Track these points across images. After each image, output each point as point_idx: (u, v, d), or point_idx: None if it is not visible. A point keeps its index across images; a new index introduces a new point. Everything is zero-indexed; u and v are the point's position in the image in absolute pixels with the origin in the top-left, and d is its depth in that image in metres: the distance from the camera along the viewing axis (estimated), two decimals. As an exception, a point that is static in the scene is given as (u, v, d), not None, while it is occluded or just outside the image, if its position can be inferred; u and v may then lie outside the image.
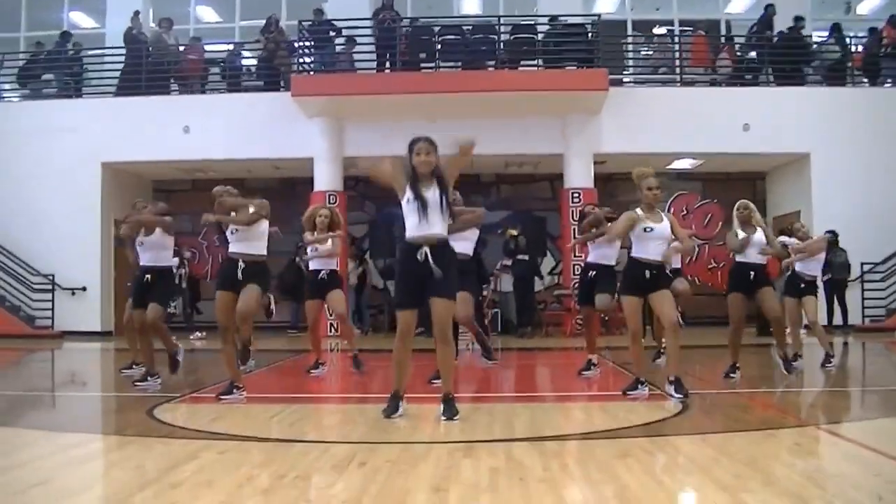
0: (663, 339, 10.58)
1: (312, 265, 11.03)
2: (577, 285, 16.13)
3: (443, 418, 7.03)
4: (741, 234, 9.93)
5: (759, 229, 9.97)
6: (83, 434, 7.01)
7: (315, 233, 10.94)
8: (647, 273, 8.41)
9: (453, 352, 7.41)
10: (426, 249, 7.03)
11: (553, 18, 19.68)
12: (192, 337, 17.82)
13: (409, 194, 7.09)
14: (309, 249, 11.05)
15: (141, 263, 10.00)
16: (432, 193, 7.09)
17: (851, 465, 5.64)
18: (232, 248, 8.55)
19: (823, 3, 22.74)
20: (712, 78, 20.78)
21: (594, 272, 10.55)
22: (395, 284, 7.33)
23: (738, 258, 9.99)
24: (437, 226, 7.10)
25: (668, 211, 8.71)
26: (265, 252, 8.66)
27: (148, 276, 9.87)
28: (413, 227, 7.09)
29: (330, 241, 10.89)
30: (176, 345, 10.13)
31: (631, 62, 21.27)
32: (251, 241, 8.55)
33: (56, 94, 20.95)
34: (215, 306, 8.46)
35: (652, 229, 8.47)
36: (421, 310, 7.23)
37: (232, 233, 8.56)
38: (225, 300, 8.40)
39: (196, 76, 20.90)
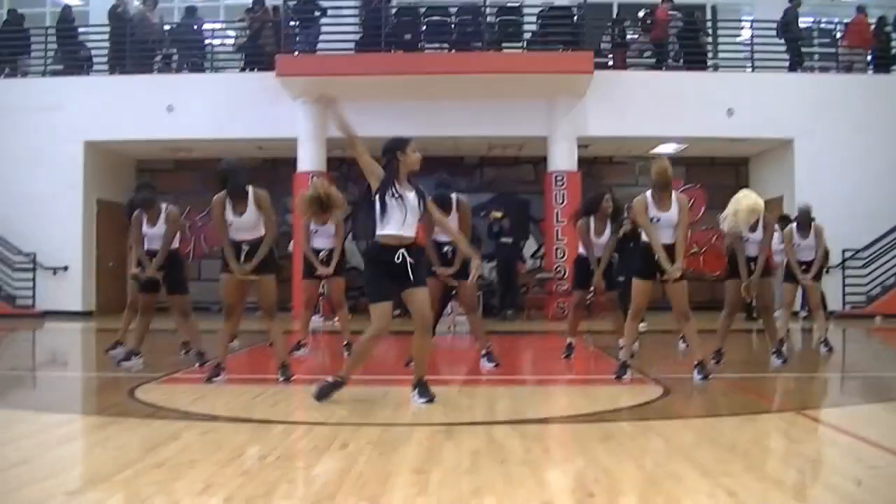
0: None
1: (315, 244, 11.04)
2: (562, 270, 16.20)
3: (422, 401, 7.06)
4: (747, 234, 9.83)
5: (759, 225, 9.93)
6: (64, 414, 7.00)
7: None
8: (658, 258, 8.42)
9: (430, 342, 7.55)
10: (403, 251, 7.07)
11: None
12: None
13: (390, 192, 7.07)
14: (311, 228, 11.00)
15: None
16: (412, 196, 7.13)
17: (831, 450, 5.69)
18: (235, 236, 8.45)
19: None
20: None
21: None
22: (368, 278, 7.30)
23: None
24: (412, 228, 7.19)
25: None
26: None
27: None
28: (393, 226, 7.07)
29: (330, 222, 10.88)
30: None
31: (611, 44, 21.22)
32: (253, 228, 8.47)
33: (39, 72, 20.78)
34: (222, 287, 8.45)
35: (658, 219, 8.49)
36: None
37: (231, 224, 8.46)
38: (232, 281, 8.38)
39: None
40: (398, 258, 7.05)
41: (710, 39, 21.14)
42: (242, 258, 8.31)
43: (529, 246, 21.93)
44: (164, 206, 9.79)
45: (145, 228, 9.73)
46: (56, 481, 4.62)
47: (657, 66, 20.31)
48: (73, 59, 20.62)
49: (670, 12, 20.01)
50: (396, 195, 7.04)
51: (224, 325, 8.50)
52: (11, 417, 6.64)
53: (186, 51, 20.74)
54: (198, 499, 4.27)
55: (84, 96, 19.50)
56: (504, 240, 18.89)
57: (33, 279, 19.54)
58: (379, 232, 7.12)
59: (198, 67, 20.67)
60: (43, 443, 5.66)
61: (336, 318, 12.02)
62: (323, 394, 7.13)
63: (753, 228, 9.82)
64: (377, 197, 7.09)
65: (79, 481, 4.78)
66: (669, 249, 8.44)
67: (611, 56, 20.31)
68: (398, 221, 7.06)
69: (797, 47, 20.31)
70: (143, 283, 9.90)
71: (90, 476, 4.90)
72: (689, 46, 20.45)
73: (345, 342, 11.01)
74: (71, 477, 4.86)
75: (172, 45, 20.91)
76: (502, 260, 19.07)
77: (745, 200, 9.63)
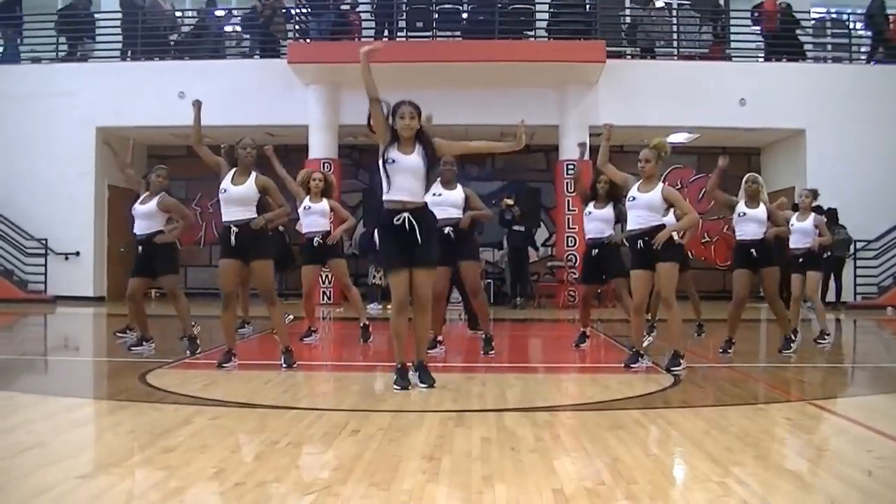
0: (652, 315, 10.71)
1: (305, 230, 10.89)
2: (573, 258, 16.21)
3: (422, 385, 7.12)
4: (744, 209, 9.87)
5: (761, 204, 9.90)
6: (76, 398, 7.03)
7: (309, 197, 10.81)
8: (639, 244, 8.41)
9: (429, 321, 7.66)
10: (406, 215, 7.06)
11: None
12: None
13: (390, 156, 7.11)
14: (301, 213, 10.89)
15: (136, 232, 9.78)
16: (415, 159, 7.11)
17: (842, 440, 5.68)
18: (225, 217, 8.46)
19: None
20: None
21: (596, 250, 10.27)
22: (379, 249, 7.33)
23: (739, 235, 9.94)
24: (416, 192, 7.16)
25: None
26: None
27: (140, 246, 9.75)
28: (392, 191, 7.13)
29: (324, 201, 10.77)
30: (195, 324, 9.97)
31: (626, 34, 21.17)
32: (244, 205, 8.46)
33: (51, 58, 20.83)
34: (219, 273, 8.42)
35: (634, 199, 8.50)
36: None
37: (224, 192, 8.47)
38: (230, 268, 8.37)
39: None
40: (398, 220, 7.05)
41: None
42: (233, 240, 8.29)
43: (541, 234, 21.94)
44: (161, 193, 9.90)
45: (136, 205, 9.83)
46: (67, 465, 4.64)
47: (768, 59, 20.37)
48: (149, 47, 20.66)
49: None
50: (390, 161, 7.08)
51: (222, 314, 8.45)
52: (23, 402, 6.67)
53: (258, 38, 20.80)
54: (208, 484, 4.28)
55: (96, 83, 19.56)
56: (516, 227, 18.90)
57: (45, 264, 19.66)
58: (384, 197, 7.21)
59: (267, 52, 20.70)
60: (54, 427, 5.69)
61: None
62: (401, 385, 7.12)
63: (755, 205, 9.81)
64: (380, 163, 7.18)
65: (90, 465, 4.80)
66: (643, 233, 8.40)
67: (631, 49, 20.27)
68: (393, 186, 7.12)
69: (883, 38, 20.36)
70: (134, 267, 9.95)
71: (101, 460, 4.91)
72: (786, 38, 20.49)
73: (361, 324, 11.00)
74: (82, 461, 4.88)
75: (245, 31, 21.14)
76: (514, 247, 19.08)
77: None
